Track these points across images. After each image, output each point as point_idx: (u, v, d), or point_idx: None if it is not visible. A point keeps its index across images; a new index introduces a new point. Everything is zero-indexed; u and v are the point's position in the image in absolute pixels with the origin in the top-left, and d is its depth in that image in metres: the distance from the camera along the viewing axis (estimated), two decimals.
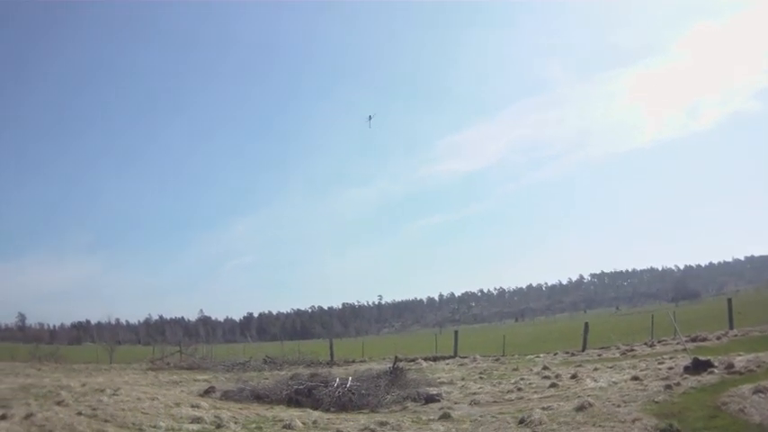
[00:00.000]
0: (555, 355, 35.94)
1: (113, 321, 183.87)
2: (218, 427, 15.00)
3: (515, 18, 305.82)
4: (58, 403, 16.97)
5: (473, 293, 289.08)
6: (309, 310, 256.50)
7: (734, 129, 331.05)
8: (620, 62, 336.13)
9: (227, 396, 22.09)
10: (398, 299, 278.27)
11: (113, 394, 19.23)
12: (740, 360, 20.59)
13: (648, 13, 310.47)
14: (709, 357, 21.04)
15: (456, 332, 48.23)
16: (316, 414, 17.49)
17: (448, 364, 35.99)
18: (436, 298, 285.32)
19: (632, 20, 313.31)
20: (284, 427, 15.13)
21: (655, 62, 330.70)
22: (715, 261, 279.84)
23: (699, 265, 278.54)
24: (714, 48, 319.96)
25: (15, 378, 28.54)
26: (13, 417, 14.34)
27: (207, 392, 23.56)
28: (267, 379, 27.41)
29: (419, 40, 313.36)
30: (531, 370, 27.38)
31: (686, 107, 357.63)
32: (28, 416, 14.36)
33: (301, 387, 21.32)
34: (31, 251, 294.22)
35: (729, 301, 39.95)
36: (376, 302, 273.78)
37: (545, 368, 27.11)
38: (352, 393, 20.07)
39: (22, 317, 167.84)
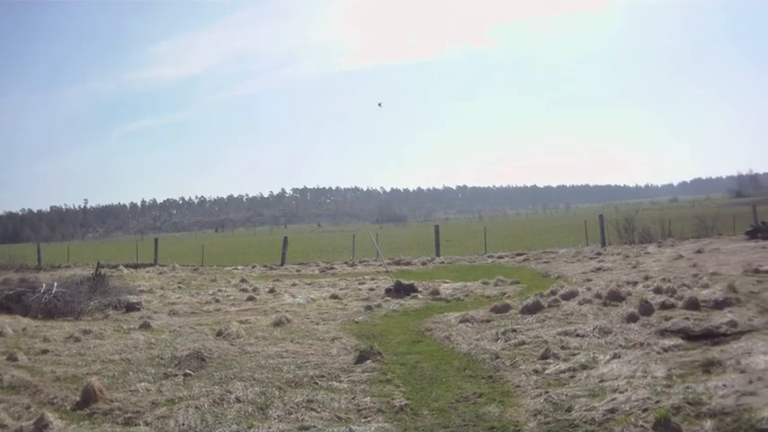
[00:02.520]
0: (253, 267, 36.43)
1: None
2: None
3: None
4: None
5: (174, 201, 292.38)
6: (20, 213, 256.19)
7: (462, 62, 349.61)
8: None
9: None
10: (103, 204, 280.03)
11: None
12: (446, 287, 21.56)
13: None
14: (413, 281, 21.86)
15: (156, 240, 47.89)
16: (25, 321, 17.35)
17: (148, 272, 35.73)
18: (139, 204, 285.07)
19: None
20: None
21: None
22: (424, 187, 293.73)
23: (407, 190, 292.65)
24: None
25: None
26: None
27: None
28: None
29: None
30: (230, 282, 27.62)
31: (406, 35, 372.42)
32: None
33: (11, 293, 20.90)
34: None
35: (437, 227, 42.17)
36: (81, 207, 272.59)
37: (243, 281, 27.42)
38: (58, 300, 19.88)
39: None
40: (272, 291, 23.03)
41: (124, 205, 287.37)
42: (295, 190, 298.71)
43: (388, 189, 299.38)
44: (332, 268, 33.52)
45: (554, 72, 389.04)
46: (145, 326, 15.97)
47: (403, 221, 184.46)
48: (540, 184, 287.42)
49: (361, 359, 10.68)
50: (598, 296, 14.86)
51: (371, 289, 22.60)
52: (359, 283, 24.80)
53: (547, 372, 9.24)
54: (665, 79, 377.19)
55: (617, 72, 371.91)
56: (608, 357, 9.53)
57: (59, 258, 49.34)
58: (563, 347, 10.49)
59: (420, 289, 20.87)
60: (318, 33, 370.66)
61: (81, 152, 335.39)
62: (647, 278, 19.30)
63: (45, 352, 12.87)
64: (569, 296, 15.23)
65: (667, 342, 10.35)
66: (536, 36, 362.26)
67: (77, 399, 9.03)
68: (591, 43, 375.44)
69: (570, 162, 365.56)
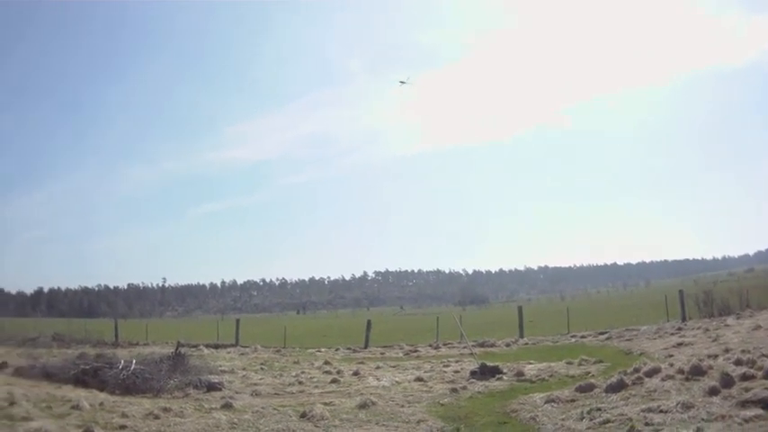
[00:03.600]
0: (336, 350, 36.24)
1: None
2: (11, 404, 14.92)
3: (322, 8, 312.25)
4: None
5: (255, 282, 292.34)
6: (96, 289, 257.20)
7: (535, 141, 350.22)
8: (422, 63, 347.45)
9: (18, 372, 22.09)
10: (182, 282, 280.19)
11: None
12: (531, 368, 21.35)
13: (454, 16, 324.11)
14: (497, 363, 21.69)
15: (238, 320, 48.01)
16: (102, 396, 17.54)
17: (229, 352, 35.82)
18: (219, 284, 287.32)
19: (436, 22, 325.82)
20: (73, 407, 15.11)
21: (454, 68, 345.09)
22: (506, 269, 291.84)
23: (489, 271, 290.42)
24: (517, 59, 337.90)
25: None
26: None
27: (0, 368, 23.40)
28: (56, 357, 27.10)
29: (226, 20, 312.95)
30: (313, 364, 27.49)
31: (487, 116, 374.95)
32: None
33: (88, 367, 21.24)
34: None
35: (520, 308, 41.52)
36: (160, 285, 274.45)
37: (326, 363, 27.29)
38: (137, 377, 20.06)
39: None
40: (356, 373, 22.98)
41: (203, 285, 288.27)
42: (377, 273, 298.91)
43: (470, 271, 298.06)
44: (416, 351, 33.32)
45: (628, 145, 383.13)
46: (227, 406, 15.99)
47: (485, 303, 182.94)
48: (620, 262, 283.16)
49: None
50: (680, 371, 14.69)
51: (456, 371, 22.40)
52: (443, 366, 24.49)
53: None
54: (737, 145, 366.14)
55: (683, 142, 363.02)
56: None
57: (137, 335, 49.68)
58: (647, 424, 10.41)
59: (505, 370, 20.63)
60: (392, 116, 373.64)
61: (157, 231, 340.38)
62: (727, 350, 19.04)
63: (123, 428, 12.96)
64: (652, 373, 15.07)
65: (748, 413, 10.27)
66: (610, 111, 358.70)
67: None
68: (664, 114, 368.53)
69: (648, 237, 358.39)
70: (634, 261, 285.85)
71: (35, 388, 18.04)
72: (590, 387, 14.80)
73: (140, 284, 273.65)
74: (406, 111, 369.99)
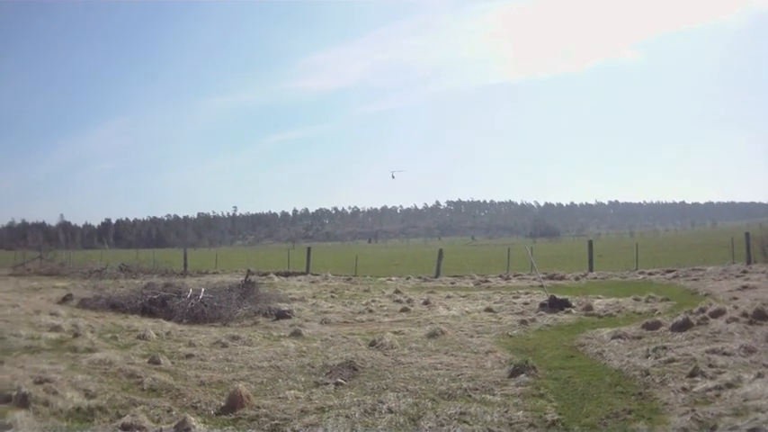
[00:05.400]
0: (407, 279, 36.44)
1: None
2: (76, 335, 15.07)
3: None
4: None
5: (327, 210, 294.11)
6: (165, 219, 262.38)
7: (608, 75, 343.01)
8: None
9: (84, 304, 22.33)
10: (253, 212, 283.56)
11: None
12: (599, 303, 21.29)
13: None
14: (566, 296, 21.69)
15: (309, 249, 48.54)
16: (169, 325, 17.66)
17: (300, 280, 36.05)
18: (290, 213, 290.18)
19: None
20: (138, 337, 15.25)
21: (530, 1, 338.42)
22: (577, 202, 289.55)
23: (560, 204, 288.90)
24: None
25: None
26: None
27: (65, 300, 23.70)
28: (122, 287, 27.40)
29: None
30: (383, 292, 27.66)
31: (559, 48, 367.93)
32: None
33: (155, 297, 21.41)
34: None
35: (590, 242, 41.33)
36: (230, 214, 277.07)
37: (397, 291, 27.52)
38: (205, 305, 20.18)
39: None
40: (426, 302, 23.04)
41: (275, 214, 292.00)
42: (449, 203, 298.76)
43: (541, 203, 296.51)
44: (486, 281, 33.49)
45: (700, 84, 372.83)
46: (296, 334, 16.09)
47: (556, 236, 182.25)
48: (689, 201, 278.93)
49: (514, 373, 10.65)
50: (744, 314, 14.46)
51: (526, 303, 22.43)
52: (513, 297, 24.59)
53: (694, 390, 9.13)
54: None
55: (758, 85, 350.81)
56: (752, 376, 9.34)
57: (206, 264, 50.62)
58: (710, 365, 10.31)
59: (573, 304, 20.62)
60: (469, 46, 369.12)
61: (229, 161, 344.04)
62: None
63: (189, 356, 13.01)
64: (717, 314, 14.90)
65: None
66: (681, 49, 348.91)
67: (222, 404, 9.09)
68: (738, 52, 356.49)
69: (716, 177, 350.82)
70: (702, 201, 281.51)
71: (100, 319, 18.45)
72: (656, 325, 14.69)
73: (210, 213, 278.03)
74: (483, 41, 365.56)
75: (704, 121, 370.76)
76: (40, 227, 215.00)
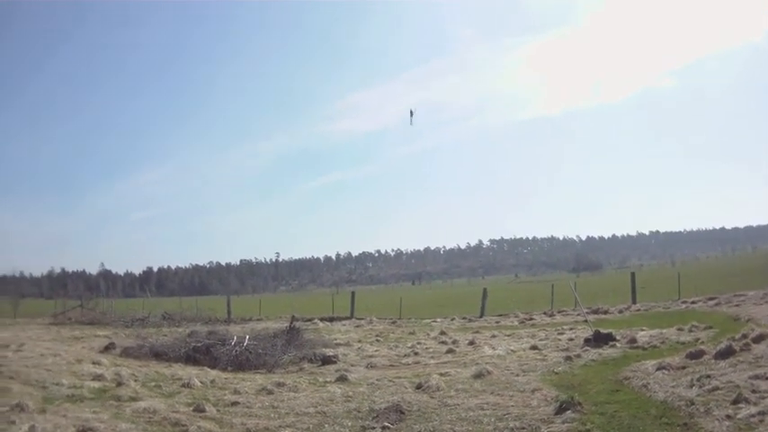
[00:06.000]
0: (452, 320, 36.37)
1: (17, 274, 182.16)
2: (119, 384, 14.98)
3: None
4: None
5: (370, 254, 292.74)
6: (207, 266, 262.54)
7: (643, 105, 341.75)
8: (529, 29, 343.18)
9: (126, 353, 22.24)
10: (296, 257, 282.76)
11: (18, 350, 20.11)
12: (643, 335, 21.27)
13: None
14: (610, 330, 21.63)
15: (353, 293, 48.21)
16: (213, 373, 17.62)
17: (344, 325, 36.14)
18: (333, 257, 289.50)
19: None
20: (183, 385, 15.24)
21: (564, 33, 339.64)
22: (618, 234, 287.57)
23: (601, 237, 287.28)
24: (626, 23, 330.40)
25: None
26: None
27: (107, 349, 23.59)
28: (166, 336, 27.51)
29: None
30: (428, 334, 27.70)
31: (594, 80, 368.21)
32: None
33: (199, 345, 21.45)
34: None
35: (633, 274, 41.16)
36: (273, 260, 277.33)
37: (442, 333, 27.48)
38: (249, 352, 20.26)
39: None
40: (471, 343, 23.11)
41: (318, 258, 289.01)
42: (492, 241, 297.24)
43: (583, 237, 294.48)
44: (531, 319, 33.38)
45: (731, 107, 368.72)
46: (341, 378, 16.06)
47: (599, 269, 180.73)
48: (728, 226, 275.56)
49: (561, 410, 10.72)
50: None
51: (570, 339, 22.49)
52: (558, 333, 24.63)
53: (738, 416, 9.20)
54: None
55: None
56: None
57: (250, 311, 50.39)
58: (753, 391, 10.35)
59: (618, 337, 20.58)
60: (504, 81, 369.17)
61: (271, 206, 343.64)
62: None
63: (235, 404, 12.96)
64: (759, 339, 14.85)
65: None
66: (714, 72, 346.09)
67: None
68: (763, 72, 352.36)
69: (754, 200, 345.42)
70: (741, 225, 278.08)
71: (144, 368, 18.28)
72: (700, 354, 14.71)
73: (253, 260, 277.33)
74: (519, 75, 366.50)
75: (739, 143, 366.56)
76: (81, 275, 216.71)
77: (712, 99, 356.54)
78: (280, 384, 15.16)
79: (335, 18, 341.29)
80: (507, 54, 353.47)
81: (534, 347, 20.78)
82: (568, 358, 17.73)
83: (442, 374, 15.78)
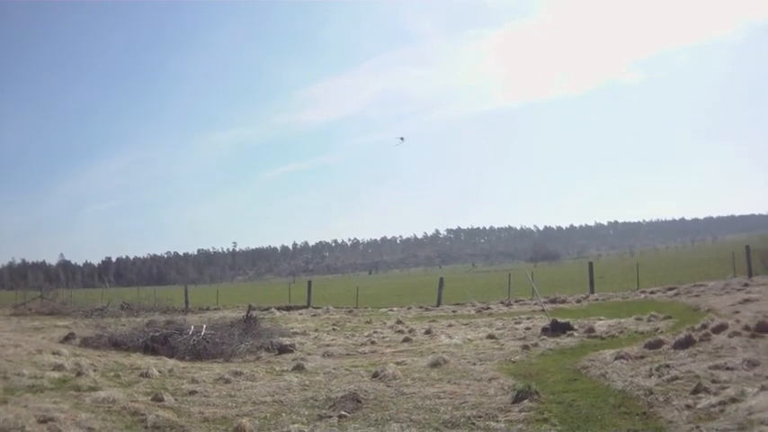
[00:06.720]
0: (409, 309, 36.37)
1: None
2: (78, 374, 14.84)
3: None
4: None
5: (327, 243, 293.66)
6: (165, 256, 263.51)
7: (607, 97, 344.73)
8: (490, 22, 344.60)
9: (86, 343, 22.15)
10: (253, 246, 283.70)
11: None
12: (601, 324, 21.31)
13: None
14: (568, 320, 21.59)
15: (309, 282, 48.48)
16: (171, 362, 17.50)
17: (301, 314, 36.19)
18: (290, 247, 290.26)
19: None
20: (141, 375, 15.11)
21: (523, 25, 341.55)
22: (576, 224, 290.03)
23: (559, 227, 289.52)
24: (587, 15, 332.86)
25: None
26: None
27: (67, 339, 23.55)
28: (124, 326, 27.21)
29: None
30: (385, 323, 27.70)
31: (557, 72, 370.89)
32: None
33: (157, 334, 21.29)
34: None
35: (590, 264, 41.28)
36: (230, 249, 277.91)
37: (399, 322, 27.47)
38: (207, 342, 20.17)
39: None
40: (428, 332, 23.03)
41: (275, 248, 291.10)
42: (449, 231, 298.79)
43: (541, 227, 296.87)
44: (488, 308, 33.31)
45: (695, 101, 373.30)
46: (298, 367, 15.99)
47: (556, 259, 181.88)
48: (688, 217, 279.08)
49: (518, 399, 10.62)
50: (746, 328, 14.47)
51: (528, 328, 22.42)
52: (515, 323, 24.59)
53: (698, 406, 9.10)
54: None
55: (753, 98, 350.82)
56: (756, 390, 9.30)
57: (207, 301, 50.20)
58: (713, 381, 10.28)
59: (575, 327, 20.58)
60: (465, 75, 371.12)
61: (228, 197, 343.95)
62: None
63: (193, 393, 12.91)
64: (719, 329, 14.86)
65: None
66: (679, 66, 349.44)
67: None
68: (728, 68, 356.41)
69: (714, 192, 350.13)
70: (701, 216, 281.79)
71: (103, 357, 18.17)
72: (659, 343, 14.66)
73: (210, 250, 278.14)
74: (481, 67, 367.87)
75: (700, 137, 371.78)
76: (41, 266, 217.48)
77: (677, 92, 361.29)
78: (237, 373, 15.06)
79: (298, 11, 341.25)
80: (468, 45, 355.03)
81: (491, 336, 20.70)
82: (525, 347, 17.65)
83: (398, 363, 15.75)
